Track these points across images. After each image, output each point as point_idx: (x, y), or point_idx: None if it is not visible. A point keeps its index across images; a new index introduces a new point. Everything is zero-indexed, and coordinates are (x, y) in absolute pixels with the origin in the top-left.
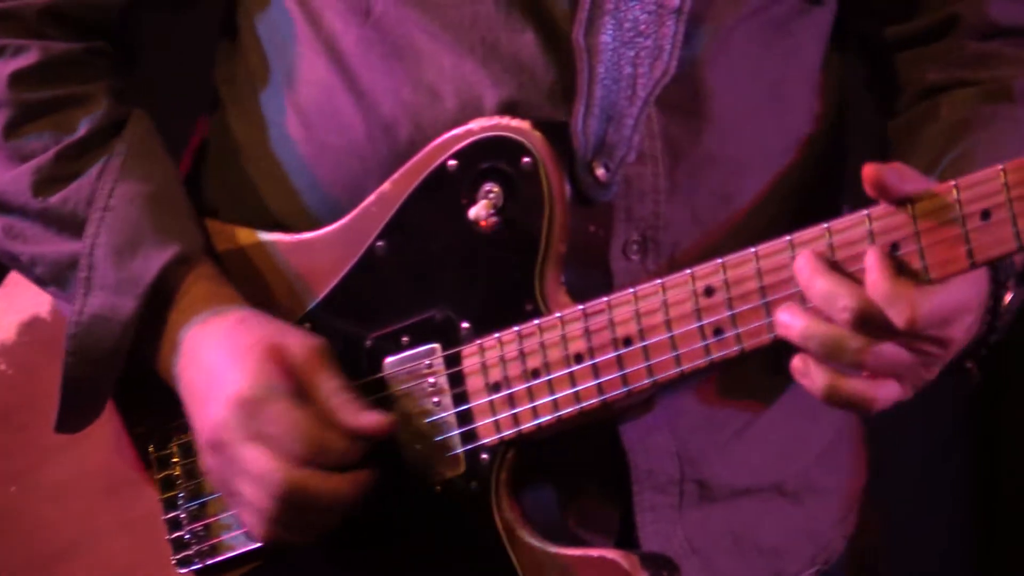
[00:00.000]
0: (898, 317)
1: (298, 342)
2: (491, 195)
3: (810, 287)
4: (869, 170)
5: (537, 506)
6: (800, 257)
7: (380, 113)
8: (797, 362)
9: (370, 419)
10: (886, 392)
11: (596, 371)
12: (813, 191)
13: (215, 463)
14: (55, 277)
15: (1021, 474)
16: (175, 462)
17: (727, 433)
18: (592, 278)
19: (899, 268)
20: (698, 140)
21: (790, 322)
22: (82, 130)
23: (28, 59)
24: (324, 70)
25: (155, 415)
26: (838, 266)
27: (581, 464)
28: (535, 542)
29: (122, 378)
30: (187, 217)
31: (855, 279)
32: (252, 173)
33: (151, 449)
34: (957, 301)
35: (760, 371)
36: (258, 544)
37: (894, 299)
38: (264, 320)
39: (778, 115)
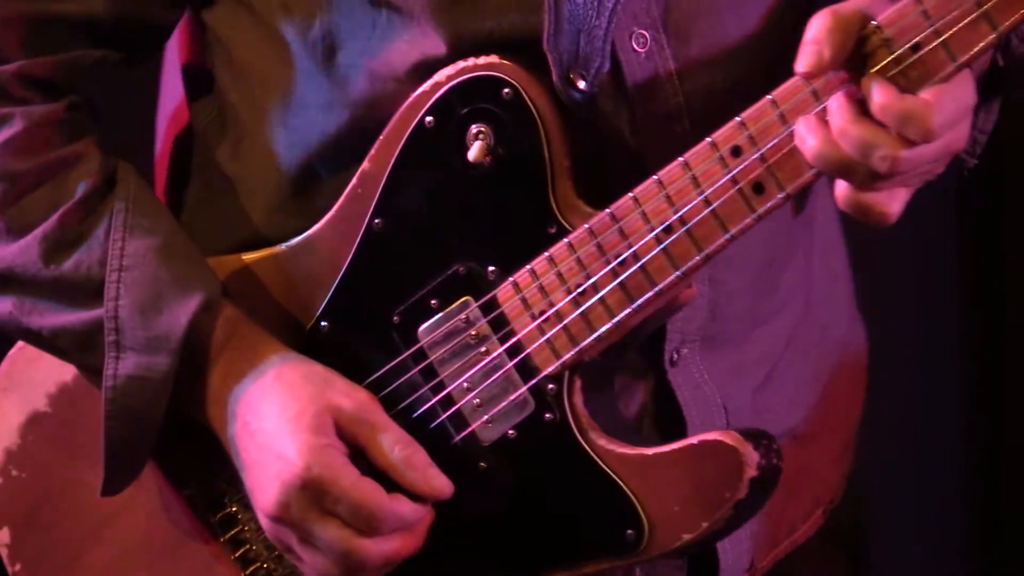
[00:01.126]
0: (914, 134)
1: (347, 400)
2: (481, 135)
3: (844, 136)
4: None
5: (617, 427)
6: (832, 103)
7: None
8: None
9: (437, 484)
10: (900, 202)
11: (640, 262)
12: None
13: (274, 530)
14: (81, 345)
15: (1021, 474)
16: (240, 518)
17: (755, 383)
18: (605, 181)
19: (903, 82)
20: None
21: (806, 137)
22: (80, 191)
23: (12, 128)
24: (317, 88)
25: (200, 472)
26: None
27: (643, 413)
28: (629, 451)
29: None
30: (200, 262)
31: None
32: (238, 204)
33: (212, 517)
34: (961, 103)
35: (776, 317)
36: None
37: (906, 118)
38: (302, 369)
39: None
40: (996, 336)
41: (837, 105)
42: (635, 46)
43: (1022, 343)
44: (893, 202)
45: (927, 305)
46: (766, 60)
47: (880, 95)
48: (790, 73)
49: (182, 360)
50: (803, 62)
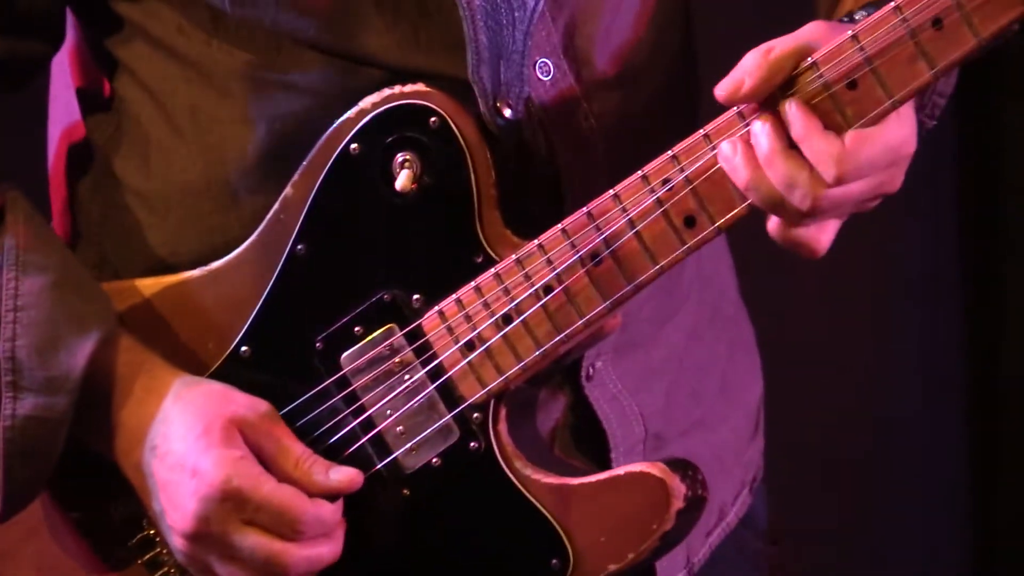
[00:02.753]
0: (828, 175)
1: (247, 411)
2: (407, 163)
3: (770, 167)
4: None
5: (542, 456)
6: (756, 127)
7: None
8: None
9: (340, 477)
10: (829, 234)
11: (570, 294)
12: None
13: (191, 549)
14: None
15: (1020, 474)
16: (159, 541)
17: (666, 381)
18: (530, 211)
19: (840, 119)
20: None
21: (733, 165)
22: None
23: None
24: (235, 107)
25: (91, 499)
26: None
27: (557, 428)
28: (555, 481)
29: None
30: (95, 297)
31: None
32: (152, 220)
33: (131, 541)
34: (892, 146)
35: (678, 312)
36: None
37: (820, 158)
38: (200, 389)
39: None
40: (996, 336)
41: (763, 132)
42: (539, 75)
43: (1022, 343)
44: (823, 235)
45: (927, 306)
46: (668, 80)
47: (798, 127)
48: (694, 95)
49: (81, 397)
50: (722, 87)
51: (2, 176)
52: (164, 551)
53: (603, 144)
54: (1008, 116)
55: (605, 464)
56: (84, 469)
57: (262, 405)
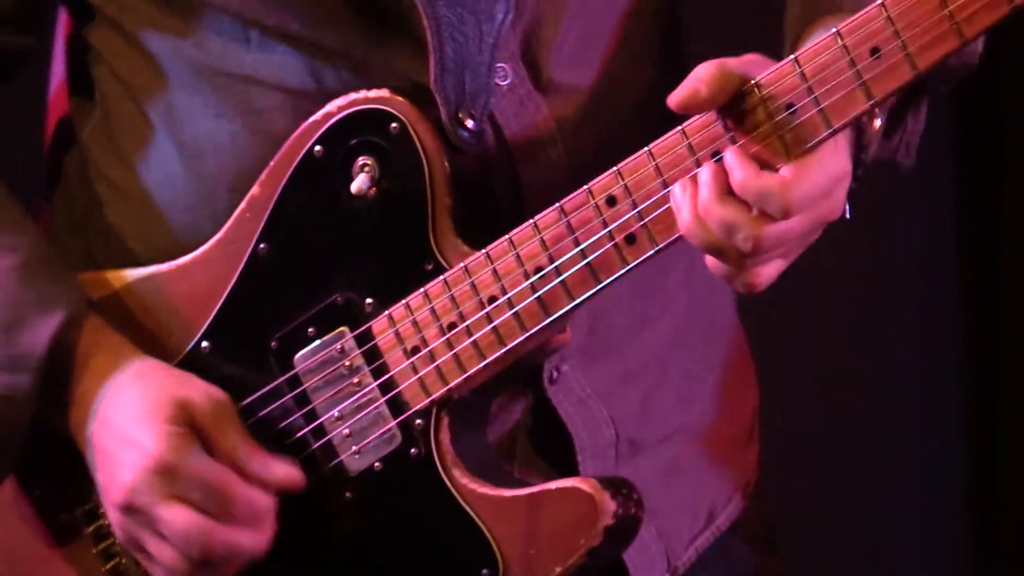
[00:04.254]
0: (773, 211)
1: (200, 396)
2: (366, 168)
3: (708, 215)
4: (675, 99)
5: (483, 466)
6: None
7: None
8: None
9: (279, 471)
10: (771, 270)
11: (512, 306)
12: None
13: (125, 523)
14: None
15: (1020, 474)
16: (102, 513)
17: (644, 386)
18: (487, 219)
19: (778, 145)
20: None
21: (680, 207)
22: None
23: None
24: (202, 100)
25: (54, 477)
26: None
27: (517, 429)
28: (490, 491)
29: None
30: (63, 278)
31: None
32: (127, 215)
33: (87, 529)
34: (830, 173)
35: (660, 319)
36: None
37: (763, 196)
38: (161, 371)
39: None
40: (995, 337)
41: (704, 180)
42: (496, 80)
43: (1021, 344)
44: (765, 270)
45: (927, 307)
46: (647, 94)
47: (738, 173)
48: (652, 97)
49: (45, 377)
50: (677, 94)
51: (4, 166)
52: (115, 539)
53: (564, 151)
54: (1009, 115)
55: (573, 468)
56: (49, 452)
57: (218, 394)
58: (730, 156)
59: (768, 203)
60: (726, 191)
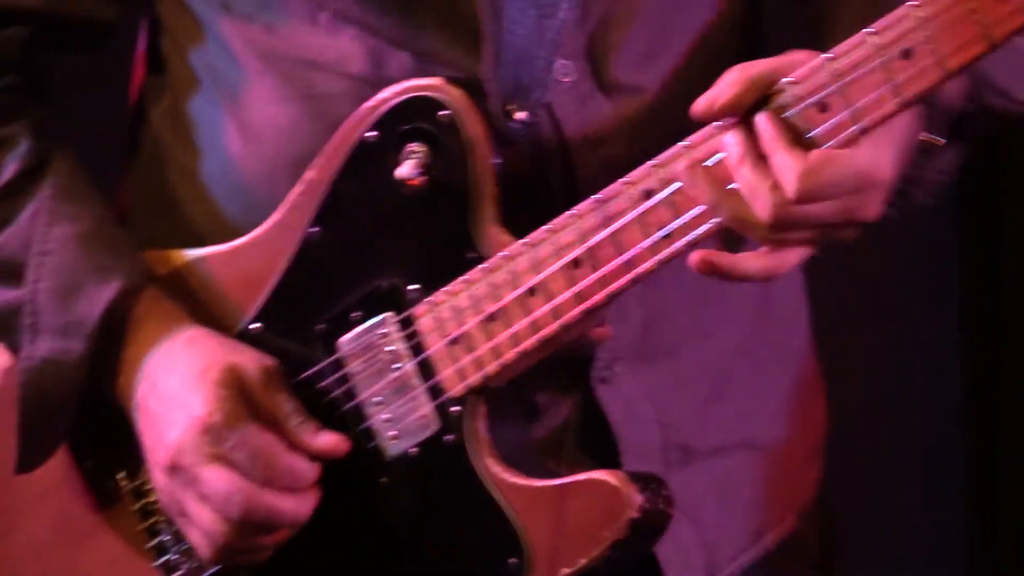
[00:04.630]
0: (788, 187)
1: (252, 363)
2: (416, 154)
3: (737, 173)
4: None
5: (518, 456)
6: (728, 138)
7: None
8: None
9: (326, 439)
10: (792, 256)
11: (549, 296)
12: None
13: (168, 485)
14: (0, 326)
15: (1020, 474)
16: (150, 488)
17: (700, 395)
18: (540, 212)
19: (795, 135)
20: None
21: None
22: (9, 174)
23: None
24: (268, 83)
25: (104, 448)
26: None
27: (566, 427)
28: (521, 481)
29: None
30: (125, 250)
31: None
32: (192, 196)
33: (125, 483)
34: (861, 171)
35: (723, 328)
36: None
37: (784, 168)
38: (213, 338)
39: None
40: (995, 339)
41: (733, 140)
42: (559, 76)
43: (1021, 345)
44: (786, 254)
45: (927, 307)
46: (693, 88)
47: (765, 139)
48: None
49: (98, 345)
50: (698, 103)
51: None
52: (154, 498)
53: (623, 150)
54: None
55: (617, 468)
56: (97, 419)
57: (268, 361)
58: (762, 122)
59: (784, 178)
60: (756, 155)
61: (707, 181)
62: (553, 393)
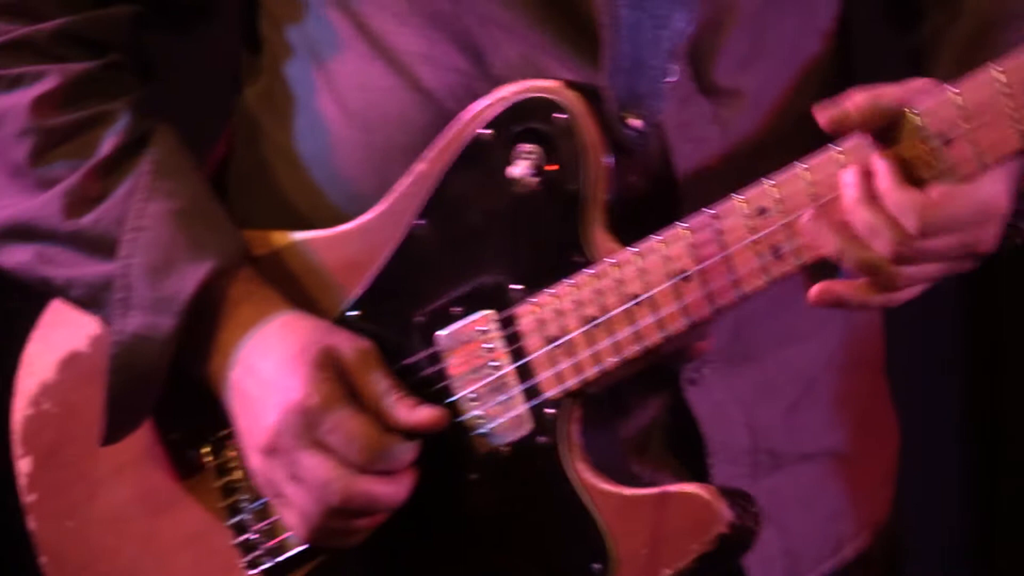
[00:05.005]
0: (910, 226)
1: (347, 344)
2: (530, 155)
3: (853, 214)
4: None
5: (611, 463)
6: (846, 178)
7: (436, 98)
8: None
9: (425, 413)
10: (911, 291)
11: (655, 307)
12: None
13: (265, 467)
14: (91, 299)
15: (1020, 474)
16: (234, 467)
17: (788, 401)
18: (640, 216)
19: (909, 175)
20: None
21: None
22: (107, 149)
23: (49, 84)
24: (375, 70)
25: (190, 422)
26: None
27: (653, 427)
28: (612, 488)
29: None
30: (221, 229)
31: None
32: (290, 178)
33: (210, 459)
34: (980, 204)
35: (812, 336)
36: None
37: (903, 210)
38: (308, 321)
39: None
40: (996, 337)
41: (849, 181)
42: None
43: (1021, 347)
44: (904, 289)
45: (927, 307)
46: (792, 92)
47: (883, 180)
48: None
49: (189, 322)
50: (826, 112)
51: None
52: (239, 476)
53: (722, 152)
54: None
55: (703, 470)
56: (189, 397)
57: (365, 343)
58: (879, 162)
59: (906, 217)
60: (871, 195)
61: (832, 230)
62: (641, 393)
